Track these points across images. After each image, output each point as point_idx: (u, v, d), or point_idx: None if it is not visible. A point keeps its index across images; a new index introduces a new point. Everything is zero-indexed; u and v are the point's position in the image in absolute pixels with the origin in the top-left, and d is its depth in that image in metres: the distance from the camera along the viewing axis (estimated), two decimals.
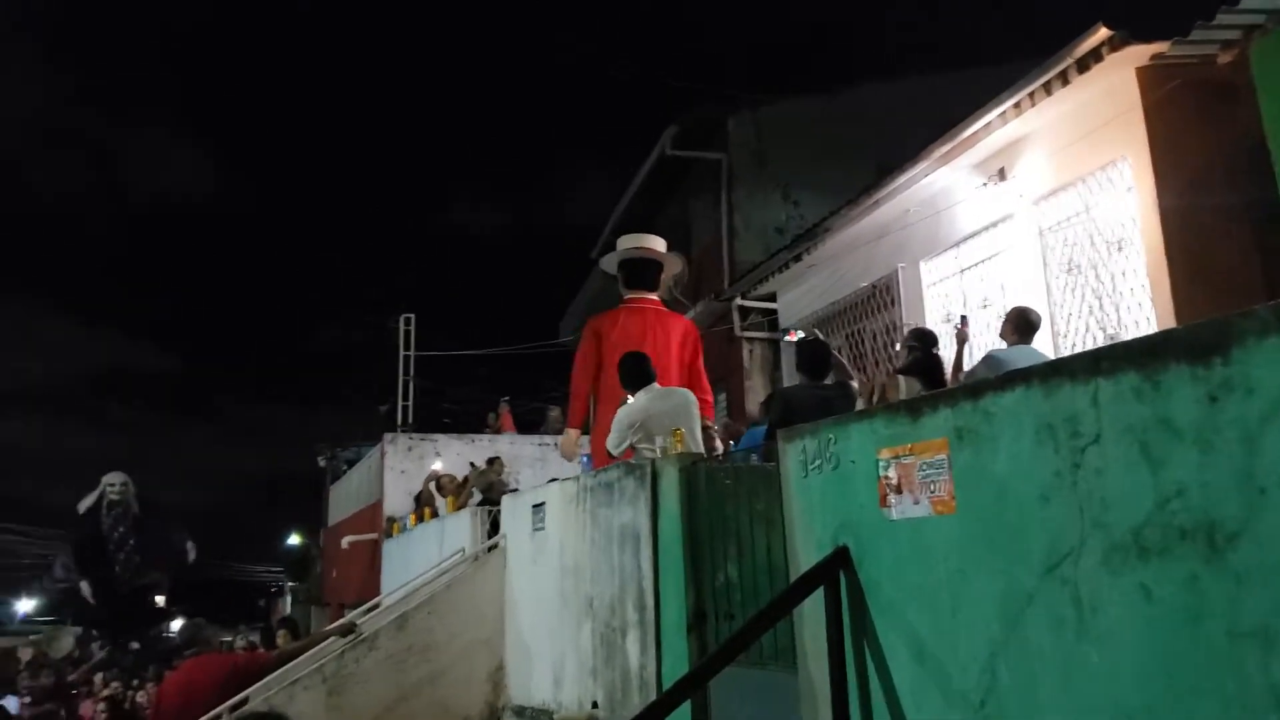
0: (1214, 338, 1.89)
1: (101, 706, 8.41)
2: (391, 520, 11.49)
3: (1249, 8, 4.77)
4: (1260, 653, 1.77)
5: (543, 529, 5.83)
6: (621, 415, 5.19)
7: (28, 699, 9.50)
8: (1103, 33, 5.32)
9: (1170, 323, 5.08)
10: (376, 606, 7.32)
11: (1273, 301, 1.81)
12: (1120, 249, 5.78)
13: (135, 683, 9.51)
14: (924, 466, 2.58)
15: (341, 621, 6.62)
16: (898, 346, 5.81)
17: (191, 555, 14.82)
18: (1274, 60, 4.78)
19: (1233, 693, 1.83)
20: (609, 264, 6.34)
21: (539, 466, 11.24)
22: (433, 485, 10.18)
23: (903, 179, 7.30)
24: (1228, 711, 1.84)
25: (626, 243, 6.27)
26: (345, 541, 13.61)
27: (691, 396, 5.31)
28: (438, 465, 10.99)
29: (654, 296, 6.07)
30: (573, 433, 6.15)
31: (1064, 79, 5.70)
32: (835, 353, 5.82)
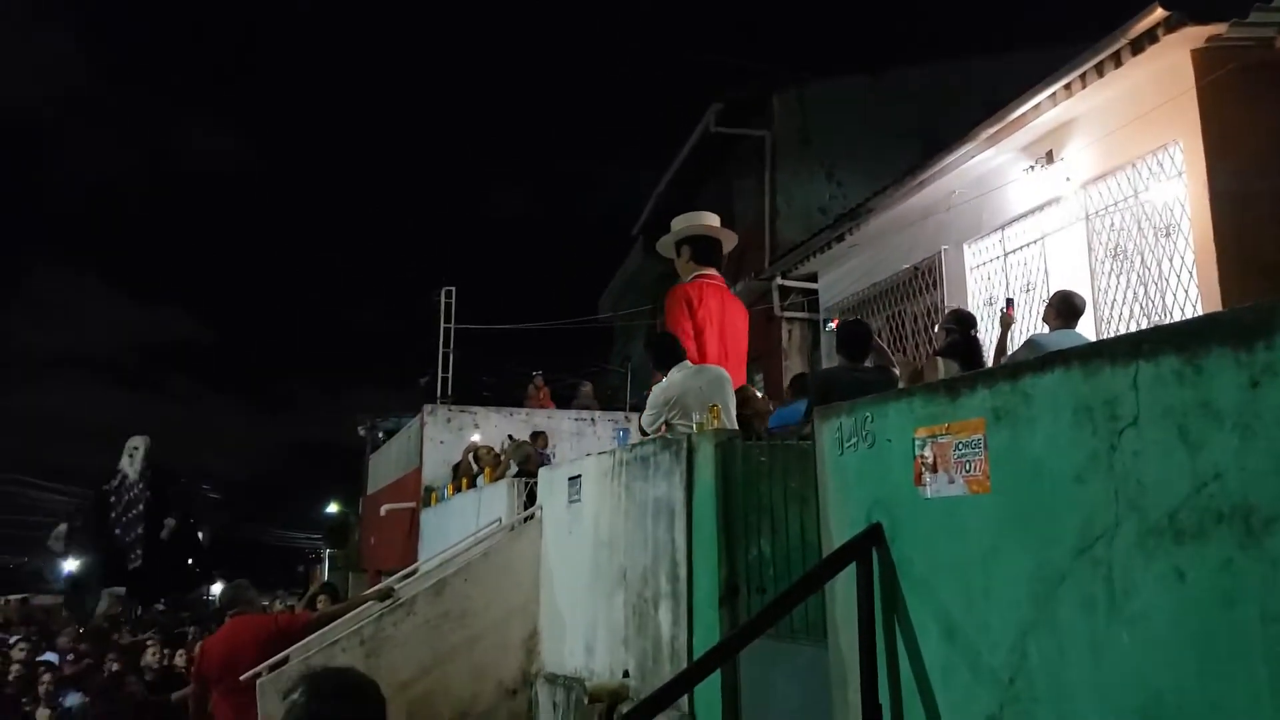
0: (1258, 322, 1.88)
1: (114, 666, 8.65)
2: (429, 489, 11.68)
3: None
4: None
5: (578, 501, 5.92)
6: (657, 392, 5.24)
7: (69, 656, 9.85)
8: (1159, 13, 5.22)
9: (1217, 311, 4.99)
10: (414, 573, 7.47)
11: None
12: (1168, 235, 5.69)
13: (157, 635, 9.84)
14: (960, 446, 2.59)
15: (380, 586, 6.77)
16: (936, 328, 5.77)
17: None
18: None
19: (1264, 677, 1.84)
20: (666, 245, 6.19)
21: (575, 441, 11.34)
22: (471, 457, 10.33)
23: (949, 159, 7.22)
24: (1259, 695, 1.85)
25: (683, 221, 6.11)
26: (384, 509, 13.86)
27: (725, 373, 5.32)
28: (476, 437, 11.13)
29: (719, 275, 5.96)
30: None
31: (1117, 60, 5.60)
32: (875, 336, 5.76)
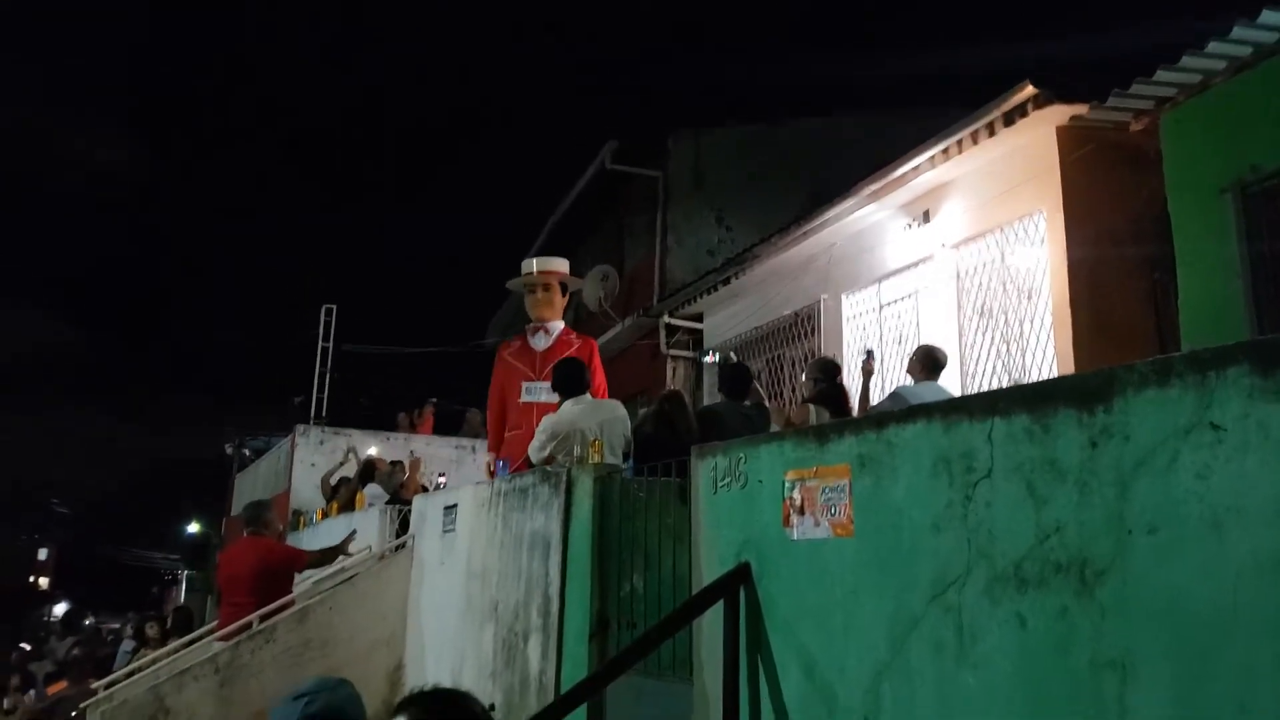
0: (1099, 386, 2.03)
1: None
2: (298, 513, 11.24)
3: (1163, 80, 5.06)
4: (1117, 682, 1.90)
5: (453, 531, 5.81)
6: (547, 423, 5.10)
7: None
8: (1029, 90, 5.58)
9: (1070, 371, 5.33)
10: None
11: (1153, 357, 1.96)
12: (1030, 297, 6.05)
13: None
14: (826, 490, 2.68)
15: (345, 538, 6.71)
16: (804, 376, 5.99)
17: None
18: (1182, 131, 5.09)
19: (1091, 718, 1.96)
20: (516, 285, 6.51)
21: (454, 469, 11.13)
22: (343, 474, 10.00)
23: (832, 212, 7.50)
24: None
25: (531, 266, 6.38)
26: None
27: (622, 410, 5.29)
28: (374, 450, 10.71)
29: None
30: (491, 457, 6.10)
31: (990, 130, 5.96)
32: (755, 379, 6.03)
